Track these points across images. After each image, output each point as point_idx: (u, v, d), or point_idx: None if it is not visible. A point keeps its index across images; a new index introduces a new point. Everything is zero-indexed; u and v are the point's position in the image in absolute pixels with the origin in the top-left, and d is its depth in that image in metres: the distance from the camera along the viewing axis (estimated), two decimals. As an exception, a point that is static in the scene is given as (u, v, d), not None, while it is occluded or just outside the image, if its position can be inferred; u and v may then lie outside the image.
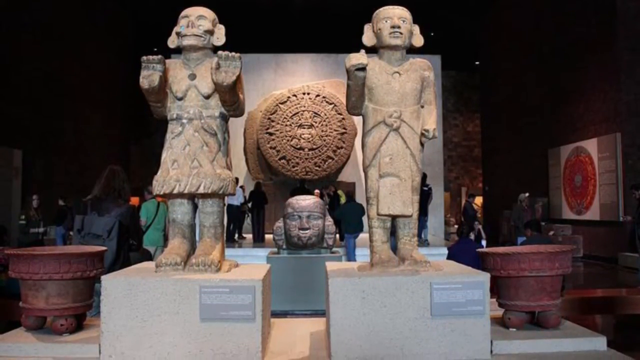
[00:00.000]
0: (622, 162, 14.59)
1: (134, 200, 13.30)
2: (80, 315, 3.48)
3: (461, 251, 7.34)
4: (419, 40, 3.60)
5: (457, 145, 29.66)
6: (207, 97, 3.50)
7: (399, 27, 3.45)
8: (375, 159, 3.46)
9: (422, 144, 3.50)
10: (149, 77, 3.34)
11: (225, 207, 3.80)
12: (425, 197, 13.18)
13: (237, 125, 16.30)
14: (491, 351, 3.14)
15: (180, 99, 3.50)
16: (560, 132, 17.78)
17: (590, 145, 16.07)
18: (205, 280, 3.15)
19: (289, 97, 17.78)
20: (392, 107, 3.44)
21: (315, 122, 17.52)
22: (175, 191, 3.38)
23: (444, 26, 21.80)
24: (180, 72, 3.54)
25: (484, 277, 3.21)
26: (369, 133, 3.50)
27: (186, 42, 3.51)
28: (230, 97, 3.48)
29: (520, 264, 3.28)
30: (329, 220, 9.24)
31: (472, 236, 10.15)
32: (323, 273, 3.53)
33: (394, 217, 3.48)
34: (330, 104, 17.66)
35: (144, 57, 3.37)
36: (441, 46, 19.35)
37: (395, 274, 3.23)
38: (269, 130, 17.44)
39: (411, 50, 3.61)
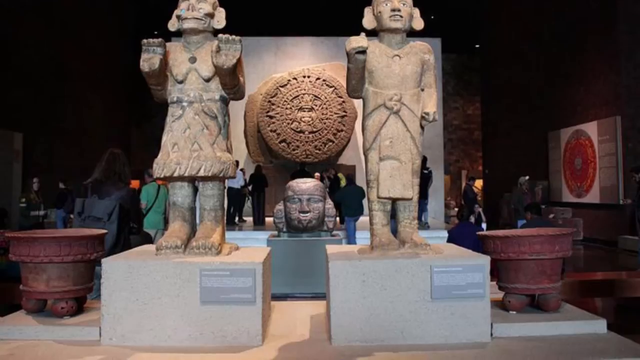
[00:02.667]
0: (622, 145, 14.57)
1: (135, 183, 13.31)
2: (81, 298, 3.49)
3: (461, 234, 7.35)
4: (419, 24, 3.58)
5: (457, 128, 29.61)
6: (208, 80, 3.49)
7: (399, 10, 3.43)
8: (375, 142, 3.45)
9: (422, 127, 3.49)
10: (149, 60, 3.33)
11: (226, 190, 3.81)
12: (425, 180, 13.18)
13: (237, 108, 16.24)
14: (491, 334, 3.15)
15: (181, 82, 3.50)
16: (560, 115, 17.73)
17: (590, 128, 16.03)
18: (205, 263, 3.15)
19: (289, 80, 17.71)
20: (393, 90, 3.42)
21: (316, 105, 17.47)
22: (175, 174, 3.38)
23: (444, 9, 21.61)
24: (181, 55, 3.53)
25: (484, 260, 3.21)
26: (369, 116, 3.49)
27: (186, 25, 3.49)
28: (231, 80, 3.47)
29: (521, 247, 3.28)
30: (329, 203, 9.25)
31: (472, 219, 10.18)
32: (323, 256, 3.53)
33: (394, 200, 3.48)
34: (331, 87, 17.60)
35: (145, 40, 3.36)
36: (441, 29, 19.20)
37: (395, 257, 3.23)
38: (269, 113, 17.39)
39: (411, 33, 3.59)
